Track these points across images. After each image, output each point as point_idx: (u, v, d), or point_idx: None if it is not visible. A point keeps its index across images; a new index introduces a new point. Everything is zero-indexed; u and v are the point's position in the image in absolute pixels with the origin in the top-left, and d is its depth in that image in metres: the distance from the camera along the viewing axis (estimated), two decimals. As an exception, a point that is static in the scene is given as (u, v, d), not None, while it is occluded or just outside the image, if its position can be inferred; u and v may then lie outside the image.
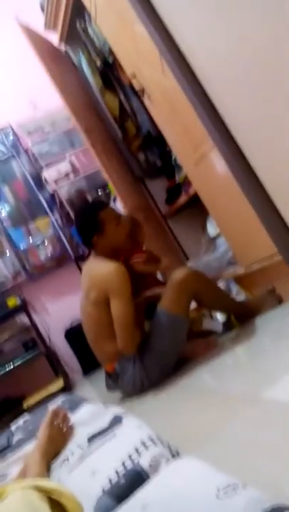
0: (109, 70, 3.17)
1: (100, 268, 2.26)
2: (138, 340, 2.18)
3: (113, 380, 2.29)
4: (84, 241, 2.39)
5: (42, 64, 3.19)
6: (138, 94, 2.60)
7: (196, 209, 2.94)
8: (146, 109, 2.71)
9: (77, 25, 3.12)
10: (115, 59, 2.85)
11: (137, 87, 2.52)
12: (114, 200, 3.54)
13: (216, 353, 2.11)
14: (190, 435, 1.38)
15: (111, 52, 2.87)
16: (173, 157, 3.08)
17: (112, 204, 3.44)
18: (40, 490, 0.86)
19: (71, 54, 3.43)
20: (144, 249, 2.59)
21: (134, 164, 3.38)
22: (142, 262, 2.42)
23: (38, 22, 3.60)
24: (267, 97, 1.54)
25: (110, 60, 3.04)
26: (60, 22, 3.14)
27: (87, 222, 2.33)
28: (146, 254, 2.47)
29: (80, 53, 3.29)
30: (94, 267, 2.30)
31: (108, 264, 2.22)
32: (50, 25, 3.30)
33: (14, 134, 4.35)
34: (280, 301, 2.19)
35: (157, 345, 2.18)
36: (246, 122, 1.73)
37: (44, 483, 0.89)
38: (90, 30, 3.08)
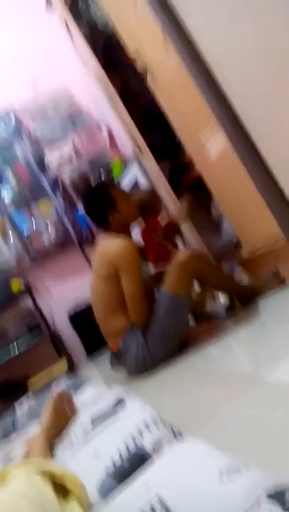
0: (112, 51, 3.11)
1: (109, 244, 2.30)
2: (147, 311, 2.24)
3: (117, 358, 2.32)
4: (98, 220, 2.40)
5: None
6: (141, 75, 2.56)
7: (200, 192, 2.92)
8: (149, 90, 2.66)
9: (80, 4, 3.06)
10: (118, 39, 2.80)
11: (139, 67, 2.48)
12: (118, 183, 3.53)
13: (219, 335, 2.11)
14: (193, 416, 1.39)
15: (114, 32, 2.82)
16: (177, 138, 3.04)
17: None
18: (43, 472, 0.86)
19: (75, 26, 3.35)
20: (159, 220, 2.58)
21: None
22: (160, 233, 2.45)
23: (38, 3, 3.55)
24: (272, 74, 1.51)
25: (113, 40, 2.98)
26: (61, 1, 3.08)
27: (98, 201, 2.35)
28: (164, 226, 2.49)
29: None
30: (104, 243, 2.34)
31: (117, 240, 2.26)
32: (51, 6, 3.24)
33: (16, 116, 4.31)
34: (283, 282, 2.19)
35: (160, 325, 2.21)
36: (252, 102, 1.70)
37: (47, 465, 0.90)
38: (92, 9, 3.02)
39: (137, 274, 2.22)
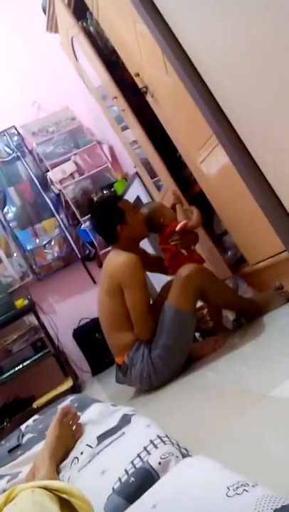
0: (113, 70, 3.16)
1: (114, 259, 2.30)
2: (153, 327, 2.22)
3: (122, 373, 2.31)
4: (108, 235, 2.39)
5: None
6: (141, 93, 2.60)
7: (202, 207, 2.93)
8: (149, 108, 2.70)
9: (80, 25, 3.11)
10: (118, 58, 2.85)
11: (140, 85, 2.52)
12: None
13: (225, 350, 2.11)
14: (199, 433, 1.38)
15: (114, 51, 2.87)
16: (177, 155, 3.07)
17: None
18: (49, 490, 0.86)
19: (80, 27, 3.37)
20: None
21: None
22: (177, 238, 2.41)
23: (39, 24, 3.62)
24: (270, 92, 1.53)
25: (113, 59, 3.03)
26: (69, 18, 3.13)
27: (108, 215, 2.35)
28: (179, 232, 2.44)
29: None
30: (110, 258, 2.34)
31: (122, 256, 2.25)
32: (52, 26, 3.30)
33: (19, 135, 4.36)
34: (287, 298, 2.18)
35: (164, 341, 2.19)
36: (250, 118, 1.73)
37: (53, 483, 0.90)
38: (92, 30, 3.07)
39: (140, 289, 2.22)
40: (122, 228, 2.31)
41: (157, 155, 2.89)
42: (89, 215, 3.83)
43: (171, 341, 2.19)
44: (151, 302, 2.41)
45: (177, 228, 2.39)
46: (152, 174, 3.22)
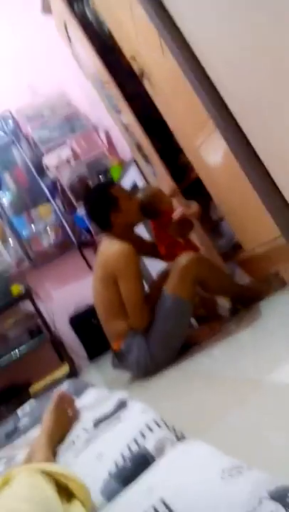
0: (109, 54, 3.12)
1: (108, 248, 2.28)
2: (148, 316, 2.21)
3: (119, 359, 2.32)
4: (102, 222, 2.36)
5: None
6: (138, 77, 2.56)
7: (199, 193, 2.92)
8: (146, 92, 2.67)
9: (75, 7, 3.06)
10: (114, 42, 2.81)
11: (136, 69, 2.49)
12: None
13: (221, 337, 2.11)
14: (195, 418, 1.39)
15: (110, 35, 2.83)
16: (174, 140, 3.05)
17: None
18: (46, 474, 0.87)
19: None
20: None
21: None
22: (173, 228, 2.40)
23: (35, 6, 3.56)
24: (267, 77, 1.52)
25: (109, 43, 2.99)
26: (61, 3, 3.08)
27: (101, 202, 2.32)
28: (176, 221, 2.42)
29: (79, 36, 3.24)
30: (105, 246, 2.32)
31: (116, 245, 2.23)
32: (48, 8, 3.24)
33: (14, 120, 4.32)
34: (283, 284, 2.19)
35: (162, 328, 2.20)
36: (248, 104, 1.71)
37: (50, 467, 0.90)
38: (88, 12, 3.03)
39: (134, 279, 2.20)
40: (116, 215, 2.29)
41: (149, 141, 2.87)
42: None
43: (169, 329, 2.20)
44: (146, 288, 2.40)
45: (175, 217, 2.37)
46: (148, 160, 3.19)
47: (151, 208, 2.42)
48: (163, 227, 2.46)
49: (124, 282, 2.19)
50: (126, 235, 2.31)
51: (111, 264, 2.21)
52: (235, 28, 1.54)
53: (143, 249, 2.48)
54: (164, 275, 2.34)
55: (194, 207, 2.40)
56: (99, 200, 2.33)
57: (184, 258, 2.23)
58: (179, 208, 2.40)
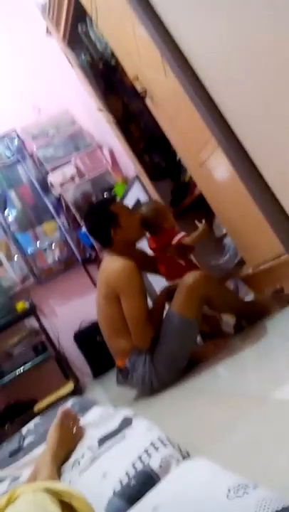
0: (112, 73, 3.18)
1: (110, 265, 2.27)
2: (152, 335, 2.19)
3: (123, 376, 2.30)
4: (102, 239, 2.35)
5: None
6: (141, 97, 2.60)
7: (202, 210, 2.94)
8: (149, 111, 2.71)
9: (79, 29, 3.13)
10: (117, 62, 2.86)
11: (139, 89, 2.53)
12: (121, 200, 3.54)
13: (226, 354, 2.10)
14: (200, 436, 1.38)
15: (113, 55, 2.88)
16: (177, 158, 3.08)
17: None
18: (50, 492, 0.86)
19: (73, 57, 3.43)
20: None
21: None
22: (172, 250, 2.41)
23: (39, 28, 3.64)
24: (269, 96, 1.54)
25: (112, 62, 3.05)
26: (61, 26, 3.15)
27: (101, 218, 2.31)
28: (176, 244, 2.44)
29: (83, 57, 3.30)
30: (107, 263, 2.31)
31: (118, 262, 2.22)
32: (52, 29, 3.31)
33: (19, 138, 4.37)
34: (288, 301, 2.18)
35: (167, 347, 2.18)
36: (249, 121, 1.73)
37: (55, 485, 0.90)
38: (91, 33, 3.09)
39: (136, 296, 2.18)
40: (116, 232, 2.27)
41: (144, 172, 2.91)
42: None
43: (175, 348, 2.18)
44: (150, 304, 2.40)
45: (173, 242, 2.39)
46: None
47: (153, 222, 2.43)
48: (161, 246, 2.46)
49: (126, 299, 2.18)
50: (127, 251, 2.30)
51: (113, 282, 2.20)
52: (236, 46, 1.57)
53: (146, 265, 2.48)
54: (167, 291, 2.33)
55: (196, 234, 2.42)
56: (99, 217, 2.33)
57: (190, 277, 2.20)
58: (181, 234, 2.41)
